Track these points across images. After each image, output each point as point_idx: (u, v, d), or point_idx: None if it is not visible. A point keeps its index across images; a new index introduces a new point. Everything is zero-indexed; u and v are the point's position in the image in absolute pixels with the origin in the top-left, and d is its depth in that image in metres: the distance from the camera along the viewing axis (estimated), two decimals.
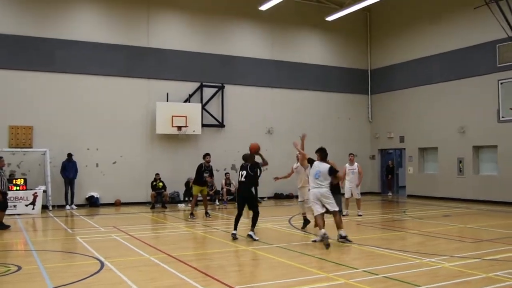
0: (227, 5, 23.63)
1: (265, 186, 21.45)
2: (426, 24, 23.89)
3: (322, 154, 11.33)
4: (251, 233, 11.46)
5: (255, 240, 11.24)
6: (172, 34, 22.39)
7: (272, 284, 7.56)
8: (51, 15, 20.13)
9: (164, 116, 21.10)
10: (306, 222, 13.21)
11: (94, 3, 21.05)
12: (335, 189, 11.92)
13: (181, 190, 21.21)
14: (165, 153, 21.68)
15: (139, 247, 10.75)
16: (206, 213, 16.50)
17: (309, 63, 25.51)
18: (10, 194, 17.05)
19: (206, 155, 16.82)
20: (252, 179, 11.79)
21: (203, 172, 16.42)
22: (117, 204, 20.51)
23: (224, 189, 21.43)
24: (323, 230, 10.37)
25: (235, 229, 11.65)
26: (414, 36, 24.57)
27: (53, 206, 19.15)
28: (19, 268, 8.67)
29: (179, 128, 21.21)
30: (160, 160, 21.46)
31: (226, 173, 22.08)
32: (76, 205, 19.50)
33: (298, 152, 12.66)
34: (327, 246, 10.16)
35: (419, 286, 7.17)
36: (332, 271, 8.21)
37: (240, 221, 11.85)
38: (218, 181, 21.68)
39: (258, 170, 12.04)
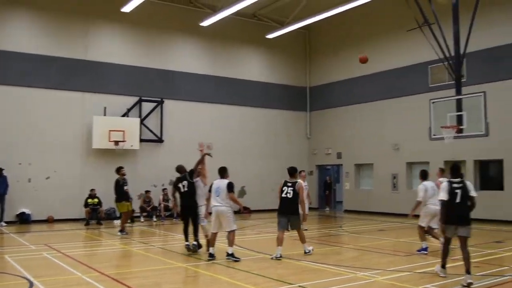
0: (168, 20, 23.50)
1: None
2: (363, 44, 24.57)
3: (221, 171, 11.13)
4: (194, 243, 11.67)
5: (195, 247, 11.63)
6: (111, 48, 22.01)
7: None
8: None
9: (101, 131, 20.64)
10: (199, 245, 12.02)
11: (30, 13, 20.42)
12: (296, 210, 11.41)
13: None
14: (101, 169, 21.11)
15: (72, 265, 10.40)
16: (122, 230, 15.92)
17: (250, 79, 25.74)
18: None
19: (121, 168, 16.51)
20: (193, 187, 11.89)
21: (123, 186, 16.10)
22: (50, 221, 19.79)
23: (162, 205, 21.12)
24: (211, 249, 10.77)
25: (186, 240, 11.71)
26: (351, 55, 25.12)
27: None
28: None
29: (117, 143, 20.80)
30: (96, 176, 20.90)
31: (164, 189, 21.75)
32: (5, 222, 18.65)
33: (199, 166, 12.37)
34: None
35: None
36: (268, 287, 8.22)
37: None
38: (156, 197, 21.37)
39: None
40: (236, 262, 10.39)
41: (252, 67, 26.12)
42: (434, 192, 11.36)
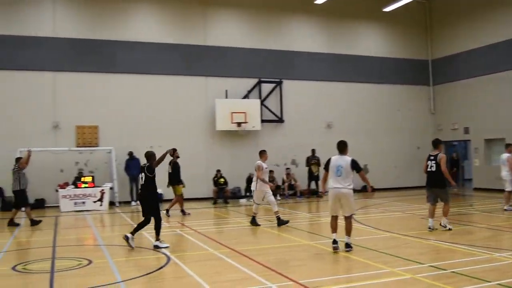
0: (282, 0, 23.60)
1: None
2: (490, 9, 22.98)
3: (341, 146, 9.59)
4: (156, 243, 10.26)
5: (164, 248, 10.09)
6: (229, 32, 22.60)
7: (336, 278, 7.52)
8: (111, 18, 20.82)
9: (223, 113, 21.36)
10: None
11: (151, 4, 21.58)
12: (439, 182, 11.49)
13: (242, 185, 21.40)
14: (225, 149, 21.92)
15: (203, 241, 10.94)
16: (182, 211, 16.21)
17: (367, 55, 25.13)
18: (79, 191, 17.94)
19: (176, 149, 15.91)
20: (151, 182, 10.53)
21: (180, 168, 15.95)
22: None
23: (286, 184, 21.48)
24: (334, 235, 9.41)
25: (133, 232, 10.31)
26: (478, 23, 23.67)
27: (119, 203, 19.78)
28: (90, 262, 9.01)
29: (239, 124, 21.41)
30: (221, 156, 21.73)
31: (286, 168, 22.11)
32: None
33: None
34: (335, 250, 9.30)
35: (489, 282, 6.93)
36: (397, 266, 8.06)
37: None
38: (279, 176, 21.76)
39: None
40: (382, 241, 10.37)
41: (369, 42, 25.46)
42: None
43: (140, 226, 10.45)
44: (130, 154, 19.96)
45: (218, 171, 20.72)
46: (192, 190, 21.20)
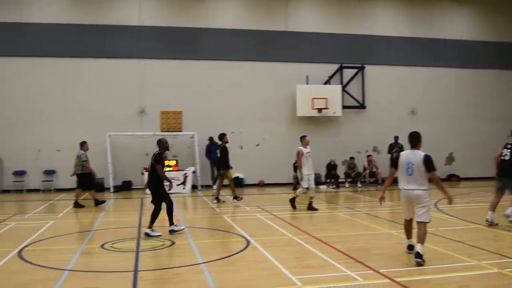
0: None
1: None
2: None
3: (413, 138, 7.97)
4: (173, 227, 10.22)
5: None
6: (310, 17, 22.42)
7: (417, 269, 7.32)
8: (194, 6, 21.30)
9: (304, 99, 21.27)
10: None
11: None
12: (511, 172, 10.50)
13: (323, 171, 21.25)
14: None
15: (283, 226, 11.00)
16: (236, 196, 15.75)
17: (453, 38, 24.03)
18: None
19: (225, 134, 15.81)
20: (155, 171, 10.21)
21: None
22: (261, 184, 21.14)
23: (367, 171, 21.11)
24: (409, 241, 8.34)
25: (150, 225, 10.19)
26: None
27: (201, 186, 20.28)
28: (173, 243, 9.33)
29: (320, 110, 21.25)
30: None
31: (368, 155, 21.70)
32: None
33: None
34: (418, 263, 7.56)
35: None
36: (484, 259, 7.74)
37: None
38: (360, 163, 21.44)
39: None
40: (469, 232, 9.89)
41: (455, 25, 24.28)
42: None
43: (154, 216, 10.23)
44: (210, 139, 20.35)
45: None
46: (272, 176, 21.43)
